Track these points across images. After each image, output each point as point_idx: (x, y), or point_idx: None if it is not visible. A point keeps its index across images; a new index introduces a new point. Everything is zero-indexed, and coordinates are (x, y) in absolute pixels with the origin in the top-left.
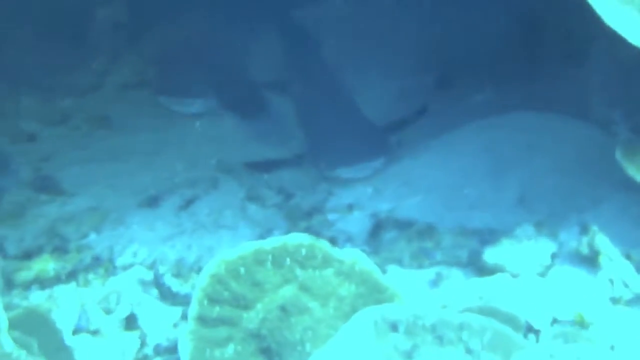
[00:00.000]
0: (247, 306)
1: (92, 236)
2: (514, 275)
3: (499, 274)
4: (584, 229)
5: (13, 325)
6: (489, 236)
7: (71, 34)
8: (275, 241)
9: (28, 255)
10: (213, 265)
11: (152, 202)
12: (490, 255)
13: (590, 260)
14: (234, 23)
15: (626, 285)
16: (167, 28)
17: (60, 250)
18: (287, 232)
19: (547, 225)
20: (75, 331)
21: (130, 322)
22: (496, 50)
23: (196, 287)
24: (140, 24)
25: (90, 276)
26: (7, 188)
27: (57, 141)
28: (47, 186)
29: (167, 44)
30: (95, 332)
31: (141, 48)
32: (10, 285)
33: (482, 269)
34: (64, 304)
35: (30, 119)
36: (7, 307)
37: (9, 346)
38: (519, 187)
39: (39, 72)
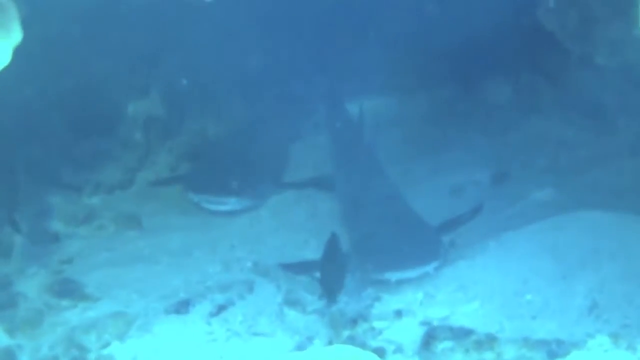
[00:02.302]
0: None
1: (115, 345)
2: None
3: None
4: None
5: None
6: (558, 348)
7: (101, 128)
8: (316, 354)
9: None
10: None
11: (182, 307)
12: None
13: None
14: (274, 117)
15: None
16: (203, 122)
17: None
18: (329, 341)
19: (623, 337)
20: None
21: None
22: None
23: None
24: (175, 118)
25: None
26: (24, 293)
27: (82, 242)
28: (69, 290)
29: (201, 139)
30: None
31: (174, 143)
32: None
33: None
34: None
35: (55, 217)
36: None
37: None
38: (587, 294)
39: (66, 167)
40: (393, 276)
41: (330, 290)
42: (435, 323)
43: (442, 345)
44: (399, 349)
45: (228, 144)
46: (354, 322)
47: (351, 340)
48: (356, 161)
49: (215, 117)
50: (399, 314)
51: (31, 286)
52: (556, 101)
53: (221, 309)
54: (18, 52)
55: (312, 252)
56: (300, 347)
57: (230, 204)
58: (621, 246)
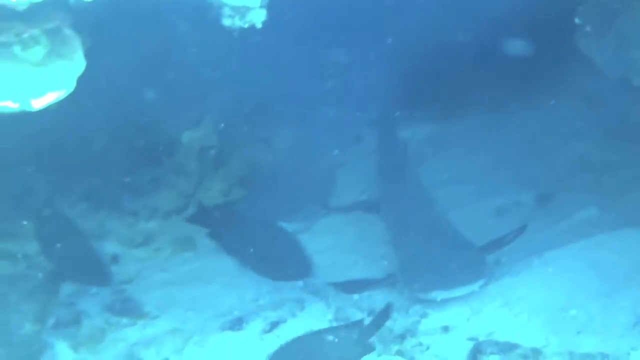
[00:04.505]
0: None
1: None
2: None
3: None
4: None
5: None
6: None
7: (158, 156)
8: None
9: None
10: None
11: (236, 324)
12: None
13: None
14: (323, 143)
15: None
16: (255, 149)
17: None
18: (379, 356)
19: None
20: None
21: None
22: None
23: None
24: (228, 146)
25: None
26: (87, 311)
27: (140, 263)
28: (129, 309)
29: (254, 165)
30: None
31: (228, 170)
32: None
33: None
34: None
35: (113, 240)
36: None
37: None
38: (631, 309)
39: (124, 193)
40: (439, 295)
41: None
42: (481, 338)
43: (489, 359)
44: None
45: (277, 169)
46: (402, 337)
47: (400, 355)
48: (402, 184)
49: (265, 144)
50: (446, 329)
51: (93, 305)
52: (597, 124)
53: (273, 325)
54: (82, 83)
55: (360, 271)
56: None
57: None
58: None
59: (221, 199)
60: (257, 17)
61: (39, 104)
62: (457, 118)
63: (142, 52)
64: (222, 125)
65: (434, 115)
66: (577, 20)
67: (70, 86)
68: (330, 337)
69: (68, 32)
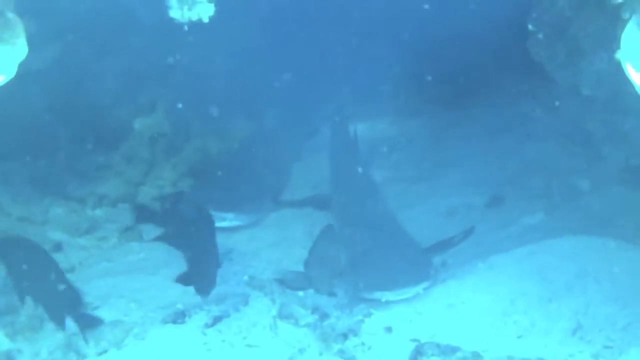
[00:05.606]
0: None
1: (112, 352)
2: None
3: None
4: None
5: None
6: None
7: (107, 143)
8: None
9: None
10: None
11: (178, 317)
12: None
13: None
14: (279, 134)
15: None
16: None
17: None
18: (320, 354)
19: (604, 357)
20: None
21: None
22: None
23: None
24: (179, 135)
25: None
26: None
27: (84, 252)
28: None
29: (206, 156)
30: None
31: (178, 159)
32: None
33: None
34: None
35: (58, 228)
36: None
37: None
38: (572, 316)
39: (71, 180)
40: (383, 296)
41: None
42: (423, 340)
43: None
44: None
45: (228, 161)
46: (344, 336)
47: (341, 354)
48: (352, 182)
49: (218, 135)
50: (389, 330)
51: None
52: (550, 130)
53: (216, 320)
54: (25, 66)
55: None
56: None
57: (228, 219)
58: (607, 270)
59: (170, 188)
60: (205, 11)
61: None
62: (412, 117)
63: (97, 36)
64: (175, 113)
65: (389, 114)
66: (530, 27)
67: (11, 72)
68: None
69: (11, 16)
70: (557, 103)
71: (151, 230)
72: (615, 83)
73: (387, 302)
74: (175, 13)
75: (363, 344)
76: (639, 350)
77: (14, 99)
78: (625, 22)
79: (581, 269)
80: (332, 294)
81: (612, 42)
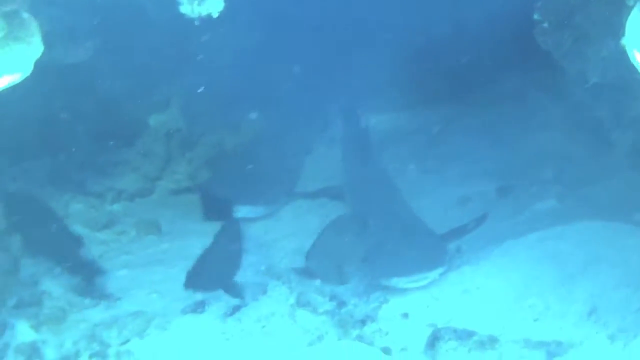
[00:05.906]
0: None
1: (134, 341)
2: None
3: None
4: None
5: None
6: (557, 348)
7: (124, 139)
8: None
9: None
10: None
11: (198, 307)
12: None
13: None
14: (290, 127)
15: None
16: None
17: (98, 355)
18: (338, 339)
19: (619, 339)
20: None
21: None
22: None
23: None
24: (195, 129)
25: None
26: (50, 292)
27: (104, 246)
28: (92, 290)
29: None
30: None
31: (193, 154)
32: None
33: None
34: None
35: (78, 223)
36: None
37: None
38: (586, 299)
39: (89, 176)
40: (399, 282)
41: None
42: (440, 325)
43: (446, 346)
44: (404, 349)
45: (244, 154)
46: (362, 322)
47: (359, 340)
48: (366, 173)
49: (232, 129)
50: (406, 315)
51: (56, 285)
52: (559, 117)
53: (235, 309)
54: (42, 65)
55: None
56: (310, 346)
57: (244, 211)
58: (619, 254)
59: (186, 182)
60: (215, 6)
61: None
62: (422, 108)
63: (111, 34)
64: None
65: (399, 105)
66: (535, 17)
67: (27, 70)
68: None
69: (26, 15)
70: (564, 91)
71: (169, 224)
72: (622, 69)
73: (403, 289)
74: (185, 9)
75: (380, 329)
76: None
77: (32, 97)
78: (630, 8)
79: (593, 254)
80: (342, 283)
81: (617, 29)
